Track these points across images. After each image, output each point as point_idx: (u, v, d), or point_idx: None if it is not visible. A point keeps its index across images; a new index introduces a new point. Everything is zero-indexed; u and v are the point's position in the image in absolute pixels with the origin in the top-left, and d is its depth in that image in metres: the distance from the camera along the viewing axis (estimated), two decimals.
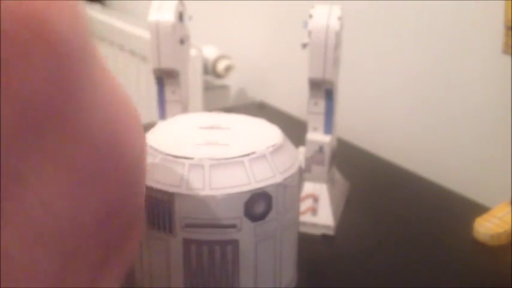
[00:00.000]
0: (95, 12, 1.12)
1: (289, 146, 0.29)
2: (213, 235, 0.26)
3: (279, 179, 0.27)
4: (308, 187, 0.49)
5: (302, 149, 0.49)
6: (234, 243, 0.26)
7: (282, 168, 0.27)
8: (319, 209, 0.49)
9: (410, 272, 0.44)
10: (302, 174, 0.47)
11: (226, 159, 0.26)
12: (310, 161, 0.49)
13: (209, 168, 0.26)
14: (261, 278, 0.27)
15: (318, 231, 0.48)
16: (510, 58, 0.49)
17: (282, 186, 0.27)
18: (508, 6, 0.45)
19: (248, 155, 0.26)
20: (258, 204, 0.26)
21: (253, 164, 0.26)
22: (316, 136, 0.49)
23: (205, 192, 0.26)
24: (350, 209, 0.53)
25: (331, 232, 0.48)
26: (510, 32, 0.46)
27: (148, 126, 0.34)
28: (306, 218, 0.48)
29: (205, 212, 0.25)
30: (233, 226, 0.26)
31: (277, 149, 0.28)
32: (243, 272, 0.27)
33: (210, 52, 0.86)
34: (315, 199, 0.49)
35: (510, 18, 0.45)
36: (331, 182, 0.50)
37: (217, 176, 0.26)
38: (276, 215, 0.27)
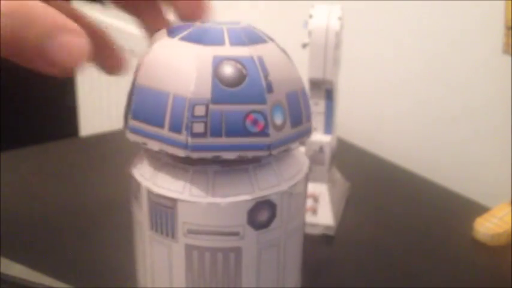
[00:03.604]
0: (95, 12, 1.11)
1: (296, 151, 0.29)
2: (215, 242, 0.26)
3: (284, 186, 0.26)
4: (308, 187, 0.49)
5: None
6: (237, 250, 0.26)
7: (288, 176, 0.27)
8: (320, 209, 0.49)
9: (411, 272, 0.44)
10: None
11: (230, 166, 0.26)
12: (310, 161, 0.49)
13: (213, 174, 0.26)
14: (264, 286, 0.27)
15: (318, 231, 0.48)
16: (510, 58, 0.49)
17: (287, 194, 0.26)
18: (508, 6, 0.45)
19: (253, 162, 0.26)
20: (262, 213, 0.26)
21: (258, 171, 0.26)
22: (316, 136, 0.49)
23: (209, 199, 0.25)
24: (350, 209, 0.53)
25: (331, 232, 0.48)
26: (510, 32, 0.46)
27: None
28: (306, 218, 0.48)
29: (208, 219, 0.25)
30: (236, 234, 0.26)
31: (283, 156, 0.27)
32: (245, 279, 0.27)
33: None
34: (315, 199, 0.49)
35: (510, 18, 0.45)
36: (331, 182, 0.50)
37: (221, 183, 0.25)
38: (280, 223, 0.27)
